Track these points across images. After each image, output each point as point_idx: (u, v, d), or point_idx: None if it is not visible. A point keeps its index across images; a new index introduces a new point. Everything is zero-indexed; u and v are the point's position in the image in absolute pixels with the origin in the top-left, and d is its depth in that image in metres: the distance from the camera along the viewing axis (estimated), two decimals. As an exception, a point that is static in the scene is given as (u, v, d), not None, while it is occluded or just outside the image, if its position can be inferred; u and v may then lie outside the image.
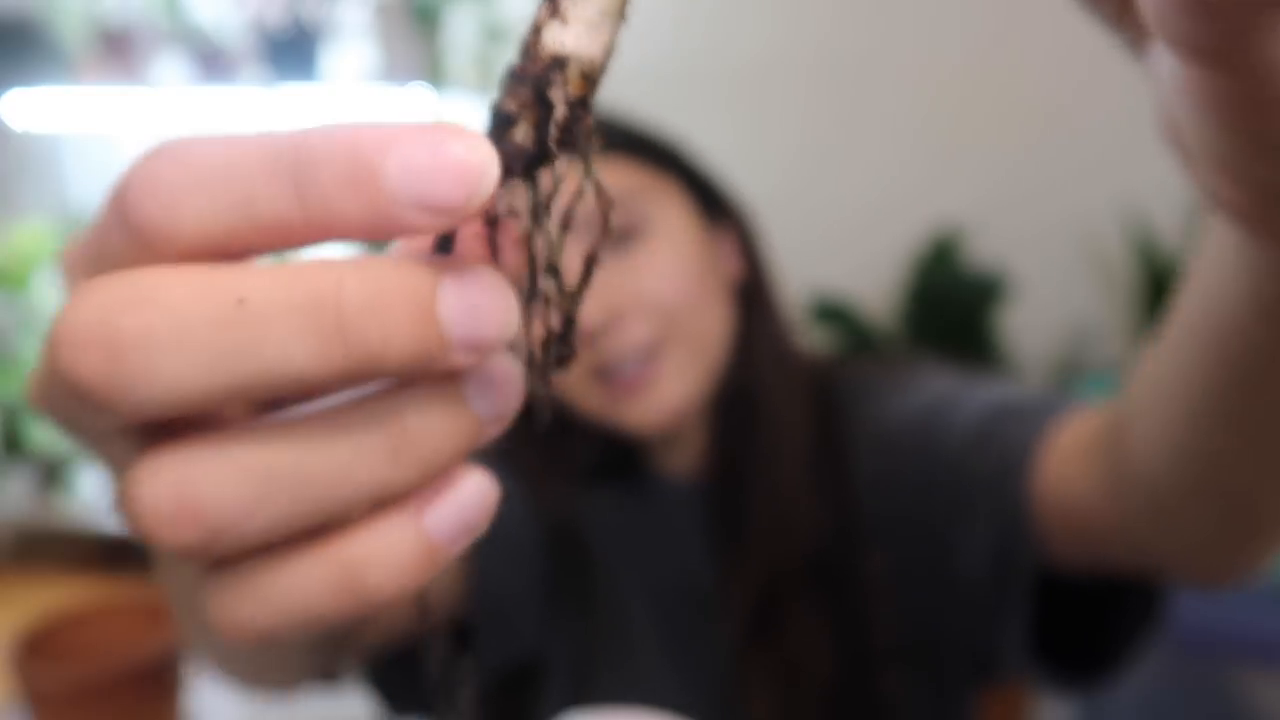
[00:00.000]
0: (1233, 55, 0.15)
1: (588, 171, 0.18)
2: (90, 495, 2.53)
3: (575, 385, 0.57)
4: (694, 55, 2.12)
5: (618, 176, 0.56)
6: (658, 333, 0.55)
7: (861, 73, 2.14)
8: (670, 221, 0.57)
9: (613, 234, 0.50)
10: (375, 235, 0.15)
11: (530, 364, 0.19)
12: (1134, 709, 1.36)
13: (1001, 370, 1.86)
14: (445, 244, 0.18)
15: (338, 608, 0.16)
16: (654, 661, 0.63)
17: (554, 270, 0.19)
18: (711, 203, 0.61)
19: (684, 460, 0.64)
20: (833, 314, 2.00)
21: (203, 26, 2.23)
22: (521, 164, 0.18)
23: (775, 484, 0.59)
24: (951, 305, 1.97)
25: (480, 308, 0.15)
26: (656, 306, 0.55)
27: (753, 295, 0.61)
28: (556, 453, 0.63)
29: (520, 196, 0.18)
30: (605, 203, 0.19)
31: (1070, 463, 0.48)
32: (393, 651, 0.61)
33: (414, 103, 2.13)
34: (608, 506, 0.65)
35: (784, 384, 0.60)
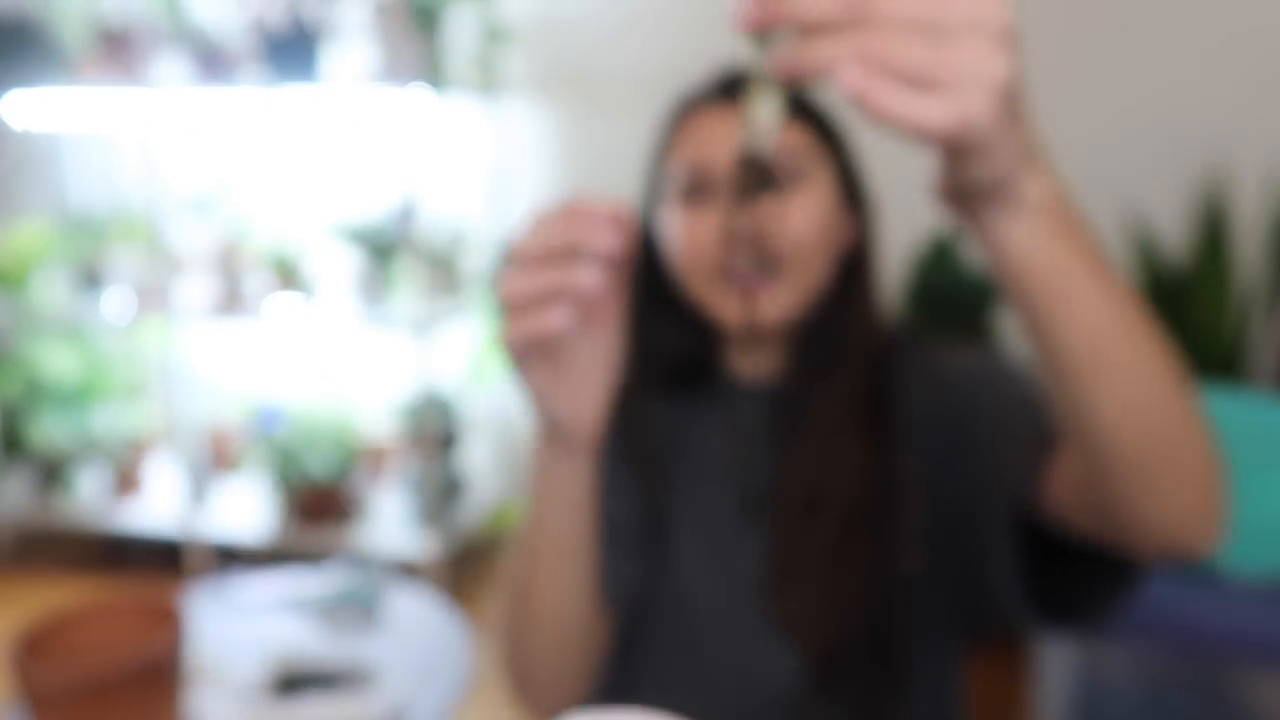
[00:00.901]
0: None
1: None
2: (90, 495, 2.53)
3: (714, 278, 0.73)
4: (687, 53, 2.11)
5: (802, 135, 0.75)
6: (783, 256, 0.72)
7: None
8: (820, 184, 0.75)
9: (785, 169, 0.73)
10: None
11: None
12: (1134, 708, 1.36)
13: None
14: None
15: (541, 332, 0.53)
16: (690, 546, 0.75)
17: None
18: (852, 191, 0.79)
19: (759, 367, 0.79)
20: (833, 314, 1.99)
21: (203, 26, 2.23)
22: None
23: (835, 398, 0.74)
24: (951, 305, 1.97)
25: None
26: (791, 237, 0.72)
27: (856, 265, 0.78)
28: (651, 358, 0.80)
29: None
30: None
31: (1068, 475, 0.60)
32: None
33: (414, 102, 2.13)
34: (682, 404, 0.80)
35: (862, 331, 0.76)
